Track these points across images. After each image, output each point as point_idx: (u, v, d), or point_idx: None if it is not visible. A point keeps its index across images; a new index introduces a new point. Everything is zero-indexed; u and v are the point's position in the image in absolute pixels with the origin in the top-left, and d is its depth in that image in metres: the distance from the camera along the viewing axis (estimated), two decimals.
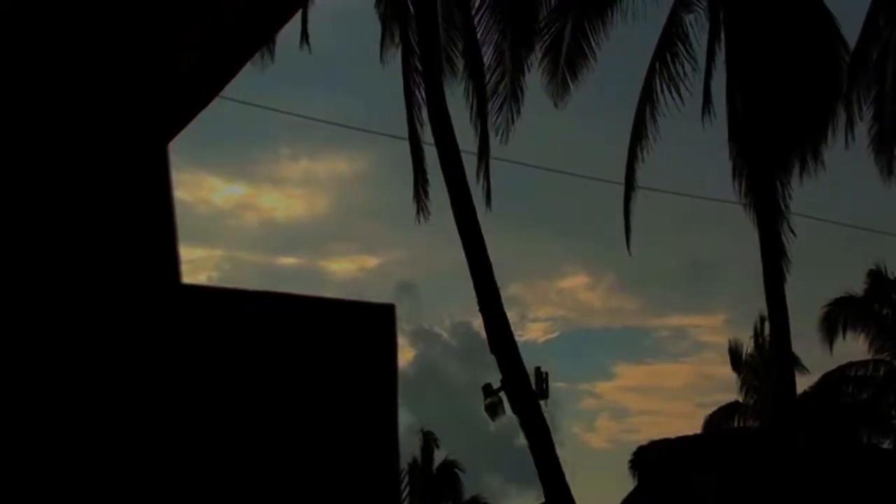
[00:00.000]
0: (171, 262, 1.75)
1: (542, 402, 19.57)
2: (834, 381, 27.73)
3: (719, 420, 29.55)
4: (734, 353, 30.42)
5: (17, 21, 1.71)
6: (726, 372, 30.63)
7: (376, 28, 20.79)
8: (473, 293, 18.28)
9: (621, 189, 20.40)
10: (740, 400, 30.21)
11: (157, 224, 1.75)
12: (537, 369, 21.03)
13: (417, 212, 20.49)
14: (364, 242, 57.09)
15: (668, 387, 55.46)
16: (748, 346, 30.45)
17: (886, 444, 26.70)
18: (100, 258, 1.68)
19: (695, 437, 27.67)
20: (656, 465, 23.32)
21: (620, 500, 24.23)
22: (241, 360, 1.73)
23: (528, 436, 18.35)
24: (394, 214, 54.21)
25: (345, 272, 52.29)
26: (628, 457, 23.90)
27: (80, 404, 1.61)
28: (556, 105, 20.28)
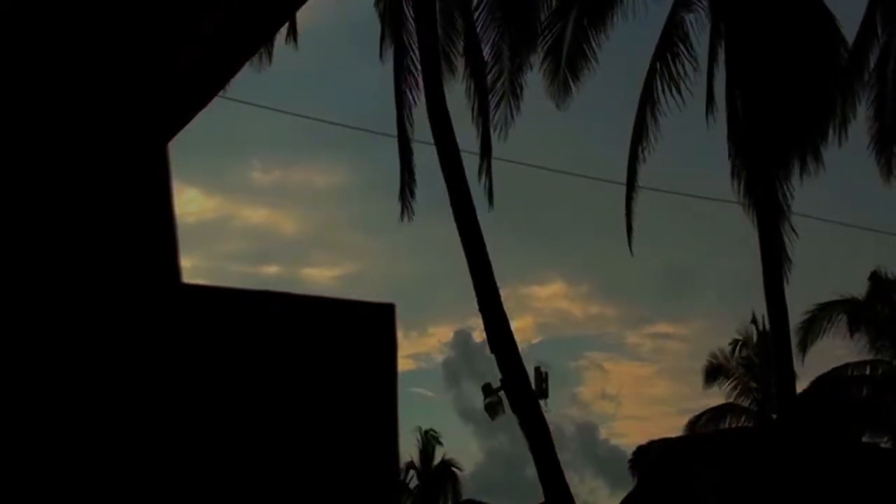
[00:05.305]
0: (172, 261, 1.75)
1: (541, 402, 19.59)
2: (831, 381, 27.73)
3: (707, 423, 29.42)
4: (712, 368, 30.22)
5: (17, 21, 1.71)
6: (707, 386, 30.50)
7: (354, 33, 20.89)
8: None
9: (610, 190, 20.44)
10: (729, 402, 30.09)
11: (157, 224, 1.75)
12: (537, 369, 21.06)
13: (402, 212, 20.53)
14: (346, 250, 57.05)
15: (652, 393, 55.41)
16: (737, 349, 30.36)
17: (885, 444, 26.72)
18: (100, 258, 1.68)
19: (695, 436, 27.67)
20: (656, 465, 23.32)
21: (616, 499, 24.22)
22: (240, 360, 1.73)
23: (527, 435, 18.36)
24: (375, 222, 54.33)
25: (326, 279, 52.28)
26: (616, 459, 23.87)
27: (81, 404, 1.61)
28: (558, 107, 20.30)
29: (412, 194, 20.43)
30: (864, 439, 26.65)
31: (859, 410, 26.99)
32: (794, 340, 27.35)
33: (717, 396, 30.06)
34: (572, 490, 18.66)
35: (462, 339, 46.85)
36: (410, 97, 19.91)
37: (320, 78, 52.06)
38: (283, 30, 20.71)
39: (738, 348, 30.36)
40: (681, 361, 55.16)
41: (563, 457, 19.05)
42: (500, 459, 43.99)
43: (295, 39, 21.15)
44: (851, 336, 28.46)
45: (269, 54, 20.70)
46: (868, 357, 28.59)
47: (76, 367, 1.62)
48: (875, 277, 28.74)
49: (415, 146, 20.31)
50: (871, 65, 20.46)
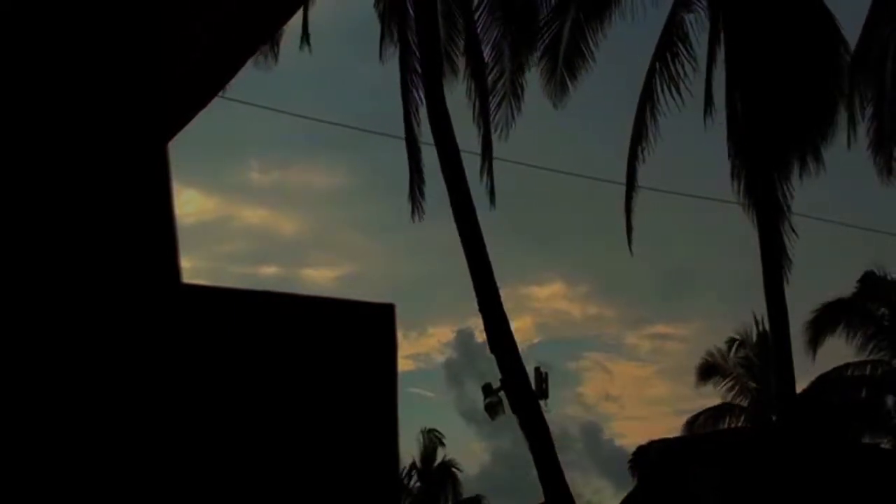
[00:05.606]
0: (171, 261, 1.75)
1: (541, 402, 19.60)
2: (832, 381, 27.74)
3: (705, 422, 29.45)
4: (707, 366, 30.25)
5: (18, 21, 1.71)
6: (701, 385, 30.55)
7: (354, 33, 20.96)
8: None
9: (610, 190, 20.46)
10: (727, 402, 30.09)
11: (157, 224, 1.75)
12: (537, 369, 21.07)
13: (413, 211, 20.58)
14: (345, 251, 57.06)
15: (651, 393, 55.38)
16: (735, 348, 30.37)
17: (885, 444, 26.73)
18: (100, 258, 1.68)
19: (695, 436, 27.68)
20: (656, 465, 23.32)
21: (615, 500, 24.21)
22: (241, 360, 1.73)
23: (527, 435, 18.36)
24: (375, 222, 54.36)
25: (325, 280, 52.26)
26: (614, 461, 23.86)
27: (80, 404, 1.61)
28: (555, 106, 20.33)
29: (422, 194, 20.48)
30: (864, 440, 26.64)
31: (859, 410, 26.99)
32: (803, 338, 27.50)
33: (713, 396, 30.12)
34: (576, 490, 18.67)
35: (463, 339, 46.84)
36: (417, 96, 19.94)
37: (319, 78, 52.13)
38: (294, 32, 20.81)
39: (735, 347, 30.37)
40: (680, 362, 55.24)
41: (563, 457, 19.05)
42: (502, 460, 44.03)
43: (308, 43, 21.23)
44: (848, 336, 28.49)
45: (276, 55, 20.75)
46: (868, 357, 28.59)
47: (77, 367, 1.62)
48: (870, 277, 28.71)
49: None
50: (871, 64, 20.47)
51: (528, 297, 52.41)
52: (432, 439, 40.26)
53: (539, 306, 56.03)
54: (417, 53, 19.85)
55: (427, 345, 61.41)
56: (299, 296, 1.82)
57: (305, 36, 21.22)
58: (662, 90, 19.81)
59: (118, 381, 1.64)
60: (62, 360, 1.61)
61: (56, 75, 1.71)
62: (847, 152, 20.37)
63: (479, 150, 19.95)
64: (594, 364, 64.15)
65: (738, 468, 21.37)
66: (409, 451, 38.97)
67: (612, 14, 20.06)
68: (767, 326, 22.22)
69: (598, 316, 55.97)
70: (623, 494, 24.36)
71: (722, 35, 19.72)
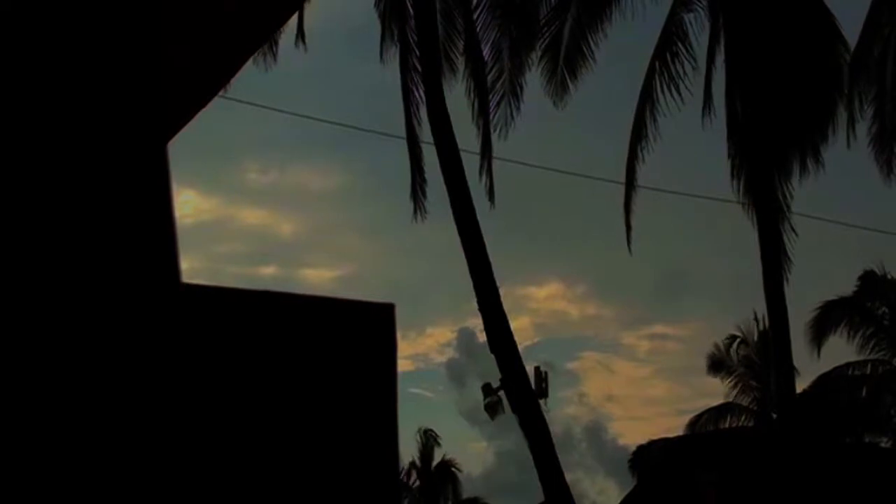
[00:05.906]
0: (171, 261, 1.75)
1: (541, 402, 19.60)
2: (832, 380, 27.75)
3: (707, 422, 29.45)
4: (715, 359, 30.26)
5: (18, 21, 1.71)
6: (709, 377, 30.53)
7: (352, 33, 20.96)
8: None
9: (609, 190, 20.46)
10: (729, 401, 30.07)
11: (157, 224, 1.75)
12: (537, 369, 21.07)
13: (415, 211, 20.58)
14: (344, 251, 57.04)
15: (649, 394, 55.39)
16: (736, 345, 30.35)
17: (885, 443, 26.73)
18: (100, 258, 1.68)
19: (695, 436, 27.68)
20: (656, 465, 23.33)
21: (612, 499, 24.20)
22: (241, 360, 1.73)
23: (526, 435, 18.36)
24: (373, 222, 54.42)
25: (324, 280, 52.26)
26: (616, 461, 23.86)
27: (81, 404, 1.61)
28: (555, 105, 20.33)
29: (424, 193, 20.46)
30: (864, 440, 26.64)
31: (859, 410, 26.99)
32: (806, 337, 27.52)
33: (718, 392, 30.09)
34: (580, 491, 18.67)
35: (464, 339, 46.82)
36: (417, 96, 19.94)
37: (319, 78, 52.11)
38: (293, 32, 20.82)
39: (736, 345, 30.37)
40: (678, 362, 55.23)
41: (566, 457, 19.06)
42: (505, 460, 44.04)
43: (304, 41, 21.27)
44: (849, 336, 28.50)
45: (275, 55, 20.76)
46: (868, 356, 28.60)
47: (77, 366, 1.62)
48: (870, 277, 28.72)
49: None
50: (872, 63, 20.46)
51: (526, 298, 52.40)
52: (429, 439, 40.34)
53: (537, 306, 56.03)
54: (417, 53, 19.85)
55: (427, 345, 61.41)
56: (299, 296, 1.82)
57: (300, 34, 21.23)
58: (662, 90, 19.80)
59: (118, 380, 1.64)
60: (63, 360, 1.61)
61: (56, 75, 1.71)
62: (847, 152, 20.38)
63: (478, 150, 19.97)
64: (593, 364, 64.21)
65: (738, 468, 21.37)
66: (407, 450, 39.02)
67: (613, 13, 20.08)
68: (767, 325, 22.20)
69: (596, 316, 56.00)
70: (619, 493, 24.38)
71: (722, 35, 19.72)
